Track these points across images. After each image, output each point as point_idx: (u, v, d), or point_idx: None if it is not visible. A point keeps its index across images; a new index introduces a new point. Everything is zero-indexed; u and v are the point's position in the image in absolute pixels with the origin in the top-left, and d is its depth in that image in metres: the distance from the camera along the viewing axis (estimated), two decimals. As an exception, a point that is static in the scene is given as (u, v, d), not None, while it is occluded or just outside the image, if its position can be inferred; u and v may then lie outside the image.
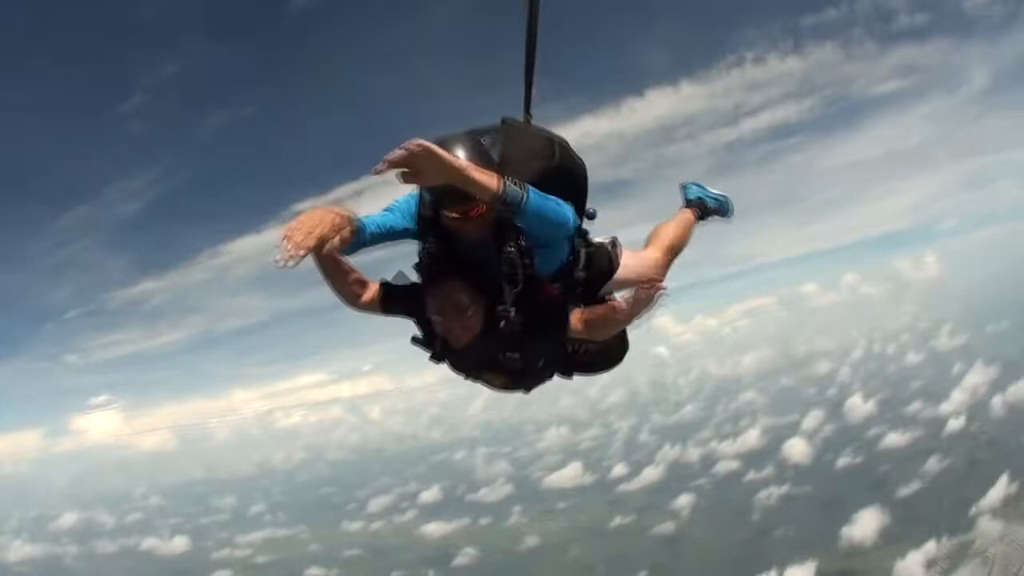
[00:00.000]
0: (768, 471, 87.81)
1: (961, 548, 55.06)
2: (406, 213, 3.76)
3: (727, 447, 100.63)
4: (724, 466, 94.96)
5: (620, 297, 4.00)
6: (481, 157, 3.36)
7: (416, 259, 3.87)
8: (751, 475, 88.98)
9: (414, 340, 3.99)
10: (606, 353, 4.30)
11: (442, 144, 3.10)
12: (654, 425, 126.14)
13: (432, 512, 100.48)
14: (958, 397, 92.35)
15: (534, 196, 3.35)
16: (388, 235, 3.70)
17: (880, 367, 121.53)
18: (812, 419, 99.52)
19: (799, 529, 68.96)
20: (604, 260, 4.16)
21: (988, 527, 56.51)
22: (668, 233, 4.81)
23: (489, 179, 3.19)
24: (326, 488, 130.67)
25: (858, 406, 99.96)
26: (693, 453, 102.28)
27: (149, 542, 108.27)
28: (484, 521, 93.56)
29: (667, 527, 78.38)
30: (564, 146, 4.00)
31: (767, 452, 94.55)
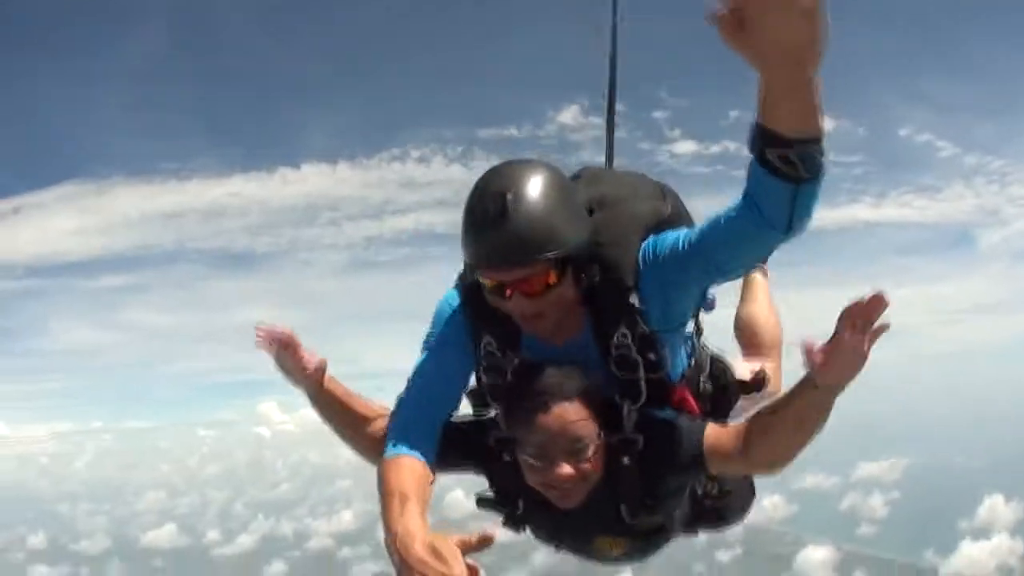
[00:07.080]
0: (363, 550, 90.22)
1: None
2: (459, 341, 2.40)
3: (322, 524, 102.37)
4: (318, 542, 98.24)
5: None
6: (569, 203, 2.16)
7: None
8: (345, 552, 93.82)
9: (482, 501, 2.44)
10: (737, 495, 2.74)
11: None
12: (249, 499, 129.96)
13: (38, 556, 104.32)
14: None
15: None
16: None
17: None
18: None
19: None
20: (722, 368, 2.72)
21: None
22: (769, 324, 3.24)
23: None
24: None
25: (458, 500, 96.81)
26: (287, 527, 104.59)
27: None
28: (85, 571, 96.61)
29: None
30: (674, 193, 2.62)
31: (362, 534, 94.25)
